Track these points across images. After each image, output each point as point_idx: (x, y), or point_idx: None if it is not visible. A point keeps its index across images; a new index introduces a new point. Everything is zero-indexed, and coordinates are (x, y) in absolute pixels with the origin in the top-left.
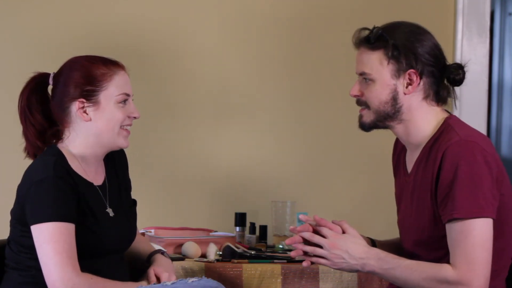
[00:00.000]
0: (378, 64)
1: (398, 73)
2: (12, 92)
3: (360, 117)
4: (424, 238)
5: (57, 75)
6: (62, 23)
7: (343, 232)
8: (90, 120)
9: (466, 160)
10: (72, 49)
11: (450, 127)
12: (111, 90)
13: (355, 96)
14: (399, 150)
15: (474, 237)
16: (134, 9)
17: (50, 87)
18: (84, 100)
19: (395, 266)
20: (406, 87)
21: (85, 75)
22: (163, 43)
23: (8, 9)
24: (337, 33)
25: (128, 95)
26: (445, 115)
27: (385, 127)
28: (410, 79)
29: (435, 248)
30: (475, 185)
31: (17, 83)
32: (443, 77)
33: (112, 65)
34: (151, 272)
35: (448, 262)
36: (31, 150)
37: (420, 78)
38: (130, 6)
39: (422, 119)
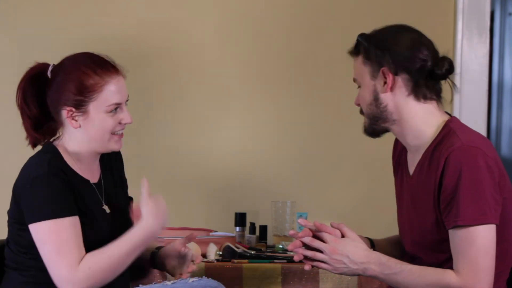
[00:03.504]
0: (360, 69)
1: (374, 73)
2: (12, 90)
3: (363, 124)
4: (425, 241)
5: (55, 72)
6: (66, 23)
7: (343, 236)
8: (80, 127)
9: (469, 166)
10: (74, 50)
11: (452, 131)
12: (100, 101)
13: (356, 105)
14: (400, 149)
15: (478, 244)
16: (135, 9)
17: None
18: (73, 109)
19: (398, 271)
20: (383, 86)
21: (77, 85)
22: (161, 42)
23: (9, 10)
24: (336, 34)
25: (119, 103)
26: (446, 117)
27: (385, 129)
28: (385, 77)
29: (437, 251)
30: (478, 191)
31: (16, 82)
32: (425, 72)
33: (105, 73)
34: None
35: (451, 266)
36: (31, 140)
37: (396, 75)
38: (132, 7)
39: (415, 117)
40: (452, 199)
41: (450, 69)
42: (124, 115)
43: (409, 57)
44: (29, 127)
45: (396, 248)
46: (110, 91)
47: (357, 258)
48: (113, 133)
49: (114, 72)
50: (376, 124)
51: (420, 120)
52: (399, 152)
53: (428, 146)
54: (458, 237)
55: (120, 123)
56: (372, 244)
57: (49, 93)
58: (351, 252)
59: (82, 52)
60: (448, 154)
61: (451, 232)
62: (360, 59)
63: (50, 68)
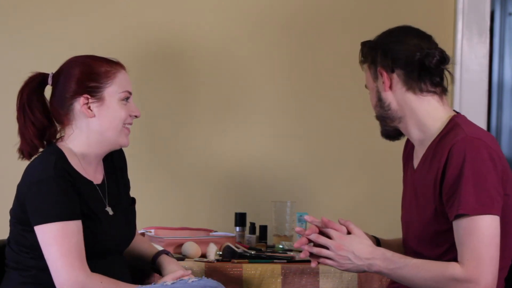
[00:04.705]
0: (366, 75)
1: (375, 74)
2: (12, 91)
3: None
4: (425, 234)
5: (56, 75)
6: (75, 23)
7: (349, 233)
8: (94, 116)
9: (472, 157)
10: (81, 51)
11: (457, 125)
12: (114, 88)
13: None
14: (410, 146)
15: (481, 234)
16: (144, 10)
17: (48, 89)
18: (88, 96)
19: (402, 265)
20: (383, 85)
21: (88, 71)
22: (164, 42)
23: (11, 10)
24: (338, 34)
25: (130, 93)
26: (452, 113)
27: (396, 129)
28: (382, 76)
29: (436, 244)
30: (480, 182)
31: (17, 84)
32: (416, 64)
33: (113, 63)
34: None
35: (449, 259)
36: (27, 149)
37: (392, 72)
38: (134, 8)
39: (416, 111)
40: (455, 190)
41: (442, 60)
42: (134, 108)
43: (396, 50)
44: (32, 133)
45: (401, 249)
46: (122, 79)
47: (362, 254)
48: (123, 125)
49: (121, 66)
50: (386, 125)
51: (422, 114)
52: (409, 149)
53: (433, 140)
54: (462, 228)
55: (130, 115)
56: (378, 243)
57: (53, 94)
58: (356, 248)
59: (81, 55)
60: (452, 145)
61: (454, 224)
62: (365, 66)
63: (50, 76)
